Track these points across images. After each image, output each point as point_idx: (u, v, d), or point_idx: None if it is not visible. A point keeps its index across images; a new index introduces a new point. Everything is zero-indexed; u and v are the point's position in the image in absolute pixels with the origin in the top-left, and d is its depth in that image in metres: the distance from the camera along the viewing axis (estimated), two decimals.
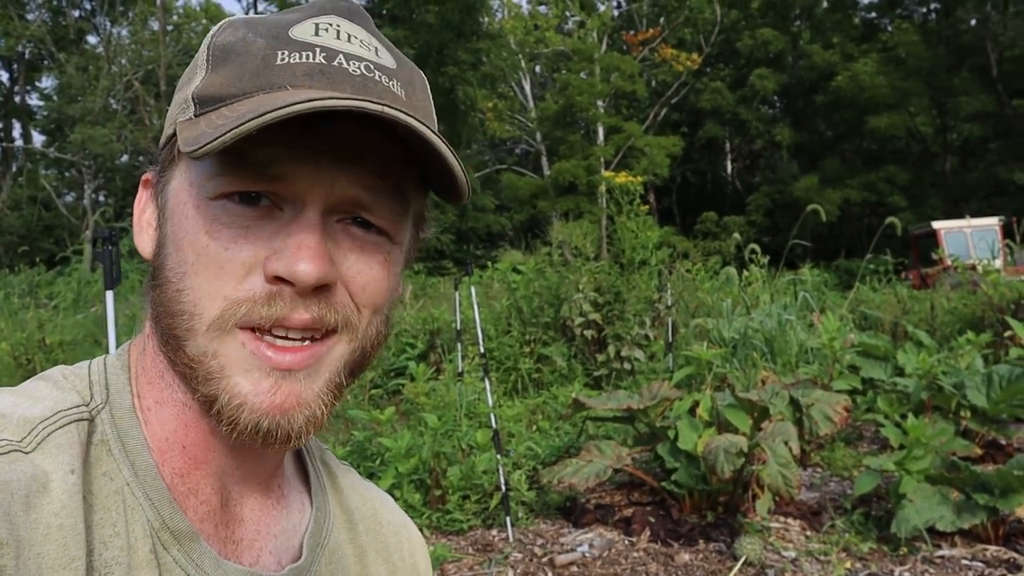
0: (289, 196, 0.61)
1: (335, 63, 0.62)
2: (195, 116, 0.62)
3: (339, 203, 0.62)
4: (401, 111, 0.59)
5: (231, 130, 0.55)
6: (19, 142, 32.16)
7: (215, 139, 0.55)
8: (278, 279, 0.60)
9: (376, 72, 0.64)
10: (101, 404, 0.64)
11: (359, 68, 0.63)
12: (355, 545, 0.80)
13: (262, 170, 0.60)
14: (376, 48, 0.66)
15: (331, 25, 0.65)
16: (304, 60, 0.62)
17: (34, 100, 33.77)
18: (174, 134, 0.64)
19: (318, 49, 0.63)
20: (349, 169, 0.62)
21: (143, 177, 0.71)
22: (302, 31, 0.64)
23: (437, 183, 0.67)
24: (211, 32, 0.67)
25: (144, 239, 0.68)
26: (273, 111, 0.55)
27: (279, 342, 0.61)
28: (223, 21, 0.68)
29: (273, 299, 0.60)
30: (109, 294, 2.49)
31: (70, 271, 12.36)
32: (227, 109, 0.60)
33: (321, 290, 0.61)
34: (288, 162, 0.60)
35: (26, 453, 0.57)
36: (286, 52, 0.62)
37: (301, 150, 0.60)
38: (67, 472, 0.58)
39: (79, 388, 0.65)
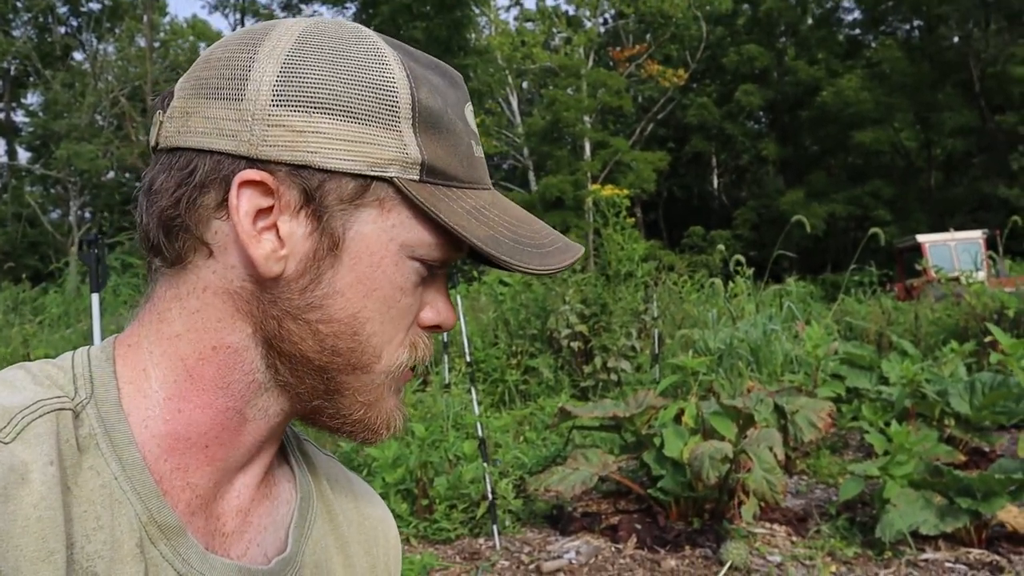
0: None
1: (479, 155, 0.71)
2: (419, 180, 0.65)
3: None
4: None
5: (544, 267, 0.67)
6: (4, 159, 32.03)
7: (527, 264, 0.66)
8: (434, 327, 0.72)
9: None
10: (86, 398, 0.63)
11: (481, 153, 0.72)
12: (336, 535, 0.80)
13: (462, 244, 0.68)
14: None
15: (471, 106, 0.72)
16: (479, 154, 0.71)
17: (19, 116, 33.60)
18: (375, 179, 0.64)
19: (475, 136, 0.71)
20: None
21: (247, 178, 0.62)
22: (469, 114, 0.71)
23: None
24: (399, 77, 0.64)
25: (265, 251, 0.63)
26: (556, 267, 0.68)
27: None
28: (401, 64, 0.65)
29: (428, 339, 0.73)
30: (95, 296, 2.49)
31: (61, 282, 12.33)
32: (469, 197, 0.68)
33: None
34: None
35: (5, 443, 0.56)
36: (472, 142, 0.70)
37: None
38: (47, 463, 0.57)
39: (62, 380, 0.63)
